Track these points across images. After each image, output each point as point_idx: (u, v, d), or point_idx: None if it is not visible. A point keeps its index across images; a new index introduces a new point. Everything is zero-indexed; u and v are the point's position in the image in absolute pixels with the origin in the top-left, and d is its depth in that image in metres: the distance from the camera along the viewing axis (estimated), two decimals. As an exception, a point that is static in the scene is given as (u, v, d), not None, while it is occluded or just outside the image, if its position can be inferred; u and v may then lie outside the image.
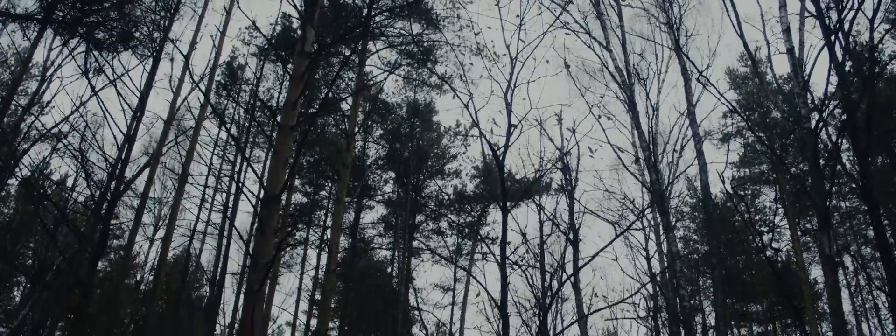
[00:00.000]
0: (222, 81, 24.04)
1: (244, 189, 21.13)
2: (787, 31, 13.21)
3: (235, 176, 21.43)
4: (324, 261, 28.95)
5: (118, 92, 13.13)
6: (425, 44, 22.46)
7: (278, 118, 15.94)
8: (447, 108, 43.88)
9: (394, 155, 29.41)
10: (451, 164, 31.72)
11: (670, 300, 17.04)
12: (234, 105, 23.27)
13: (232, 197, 22.00)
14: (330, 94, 19.26)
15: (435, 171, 31.35)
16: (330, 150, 25.36)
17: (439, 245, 33.13)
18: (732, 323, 34.83)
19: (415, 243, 32.89)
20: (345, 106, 23.97)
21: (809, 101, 12.91)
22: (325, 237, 29.61)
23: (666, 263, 19.12)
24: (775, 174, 30.99)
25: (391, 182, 31.43)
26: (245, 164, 23.28)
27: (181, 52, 11.30)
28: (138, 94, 13.53)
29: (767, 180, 32.12)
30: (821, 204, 11.50)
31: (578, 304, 18.46)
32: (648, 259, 23.63)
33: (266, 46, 21.01)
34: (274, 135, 18.05)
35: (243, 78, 25.18)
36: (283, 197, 15.76)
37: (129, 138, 13.20)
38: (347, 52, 23.57)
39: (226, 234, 22.57)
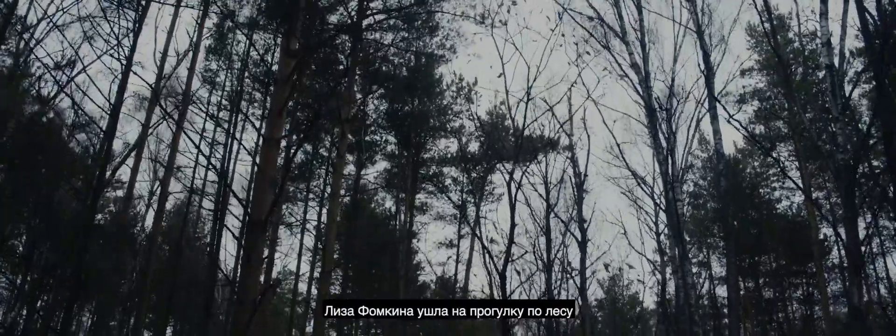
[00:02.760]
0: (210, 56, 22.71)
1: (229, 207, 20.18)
2: (827, 44, 11.83)
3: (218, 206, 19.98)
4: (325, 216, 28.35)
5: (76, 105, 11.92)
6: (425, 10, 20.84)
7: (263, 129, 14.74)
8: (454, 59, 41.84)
9: (394, 115, 28.18)
10: (453, 122, 30.59)
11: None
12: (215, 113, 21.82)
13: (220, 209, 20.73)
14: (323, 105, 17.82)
15: (437, 127, 30.23)
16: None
17: (442, 207, 32.59)
18: (741, 278, 34.55)
19: (417, 202, 32.30)
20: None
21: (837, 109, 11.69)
22: (326, 192, 28.93)
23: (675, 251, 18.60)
24: (792, 132, 29.79)
25: (392, 142, 30.41)
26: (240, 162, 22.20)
27: (148, 84, 10.09)
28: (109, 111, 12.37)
29: (783, 137, 30.97)
30: (853, 250, 10.54)
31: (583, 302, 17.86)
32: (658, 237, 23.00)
33: (256, 16, 19.34)
34: (258, 148, 16.86)
35: (234, 40, 23.64)
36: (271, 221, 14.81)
37: (104, 160, 12.14)
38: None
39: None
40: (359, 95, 26.24)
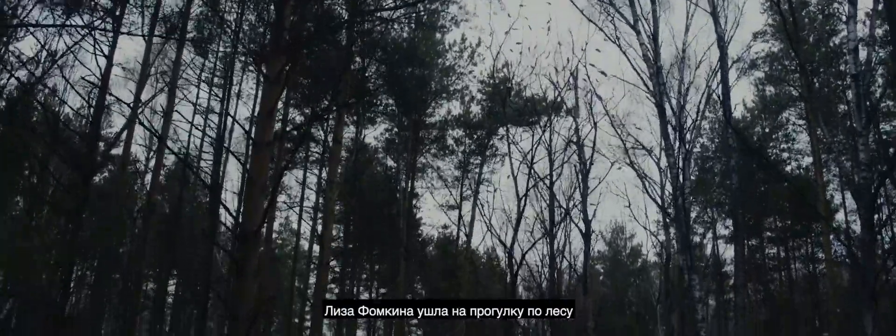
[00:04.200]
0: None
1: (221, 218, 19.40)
2: (854, 51, 11.04)
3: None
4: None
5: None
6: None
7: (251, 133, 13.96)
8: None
9: (394, 80, 27.23)
10: (456, 85, 29.77)
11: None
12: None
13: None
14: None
15: (438, 90, 29.38)
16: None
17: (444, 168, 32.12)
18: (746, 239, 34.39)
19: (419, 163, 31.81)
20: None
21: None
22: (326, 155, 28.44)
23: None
24: (801, 94, 28.98)
25: (392, 106, 29.64)
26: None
27: (127, 104, 9.42)
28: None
29: (793, 100, 30.21)
30: (869, 280, 10.09)
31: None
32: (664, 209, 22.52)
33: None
34: (248, 154, 16.13)
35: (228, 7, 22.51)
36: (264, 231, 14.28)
37: (88, 175, 11.59)
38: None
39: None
40: (358, 58, 25.37)
